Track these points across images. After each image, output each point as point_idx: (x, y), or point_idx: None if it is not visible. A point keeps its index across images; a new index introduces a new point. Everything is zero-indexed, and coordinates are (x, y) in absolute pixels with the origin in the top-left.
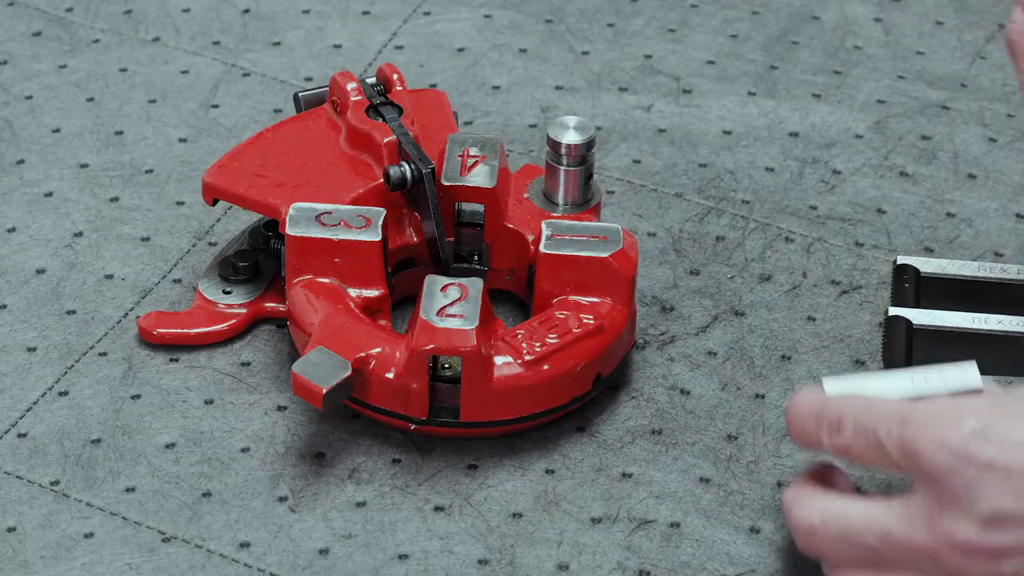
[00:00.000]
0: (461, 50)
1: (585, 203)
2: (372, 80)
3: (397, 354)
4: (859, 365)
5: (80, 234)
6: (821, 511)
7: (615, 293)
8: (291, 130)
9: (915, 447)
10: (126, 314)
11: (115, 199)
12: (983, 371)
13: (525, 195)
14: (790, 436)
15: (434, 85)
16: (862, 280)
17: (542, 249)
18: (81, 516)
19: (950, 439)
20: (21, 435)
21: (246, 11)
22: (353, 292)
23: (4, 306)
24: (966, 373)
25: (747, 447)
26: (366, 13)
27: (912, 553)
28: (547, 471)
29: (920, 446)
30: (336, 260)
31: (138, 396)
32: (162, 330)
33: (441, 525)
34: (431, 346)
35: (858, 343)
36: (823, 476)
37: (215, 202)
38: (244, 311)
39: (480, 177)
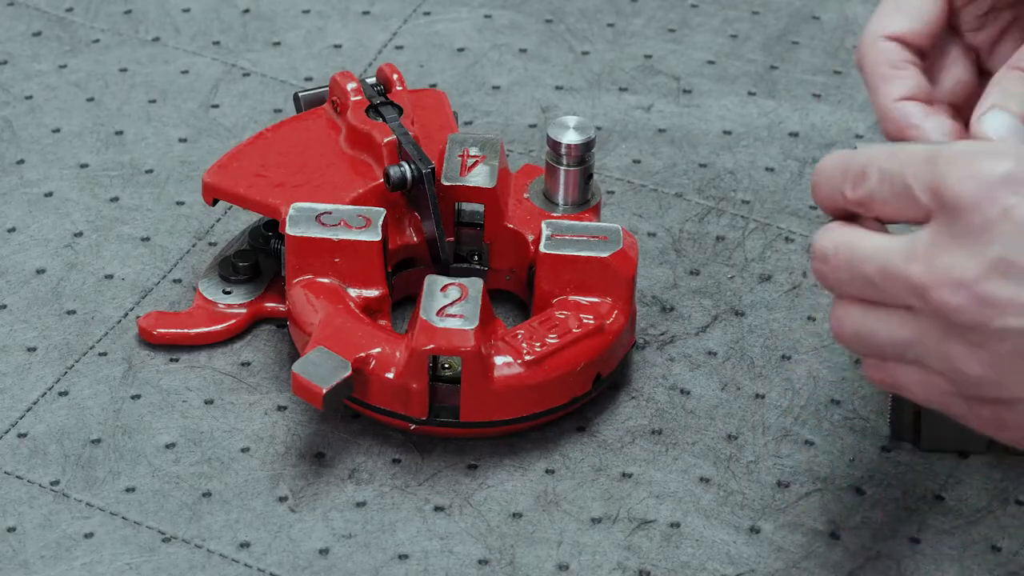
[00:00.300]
0: (461, 50)
1: (585, 203)
2: (372, 80)
3: (397, 354)
4: (859, 365)
5: (80, 234)
6: (836, 239)
7: (615, 293)
8: (291, 130)
9: (943, 180)
10: (126, 314)
11: (115, 199)
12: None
13: (525, 195)
14: (815, 200)
15: (434, 85)
16: None
17: (542, 249)
18: (81, 516)
19: (981, 173)
20: (21, 435)
21: (246, 11)
22: (353, 292)
23: (4, 306)
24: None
25: (747, 447)
26: (366, 13)
27: (905, 287)
28: (547, 471)
29: (948, 179)
30: (336, 260)
31: (138, 396)
32: (162, 330)
33: (441, 525)
34: (431, 346)
35: None
36: (855, 216)
37: (215, 202)
38: (244, 311)
39: (480, 177)
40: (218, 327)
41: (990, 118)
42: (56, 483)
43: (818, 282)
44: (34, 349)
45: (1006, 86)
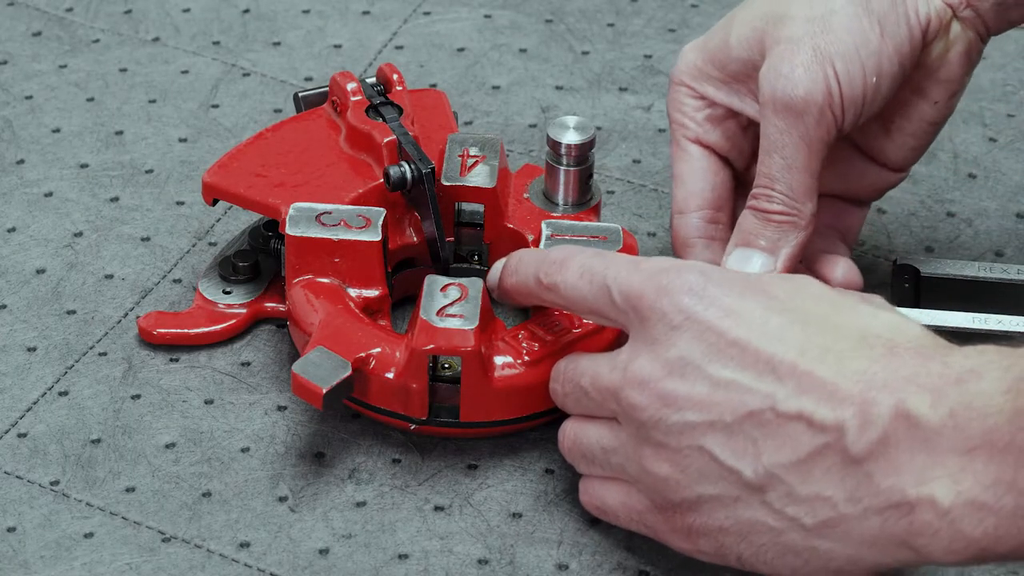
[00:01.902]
0: (461, 50)
1: (585, 203)
2: (372, 80)
3: (397, 354)
4: None
5: (80, 234)
6: (568, 360)
7: None
8: (291, 130)
9: (640, 290)
10: (126, 314)
11: (115, 199)
12: None
13: (525, 195)
14: (504, 286)
15: (434, 85)
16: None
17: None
18: (81, 516)
19: (672, 285)
20: (21, 435)
21: (246, 11)
22: (353, 292)
23: (4, 306)
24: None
25: None
26: (366, 13)
27: (607, 393)
28: (547, 471)
29: (645, 289)
30: (336, 260)
31: (138, 396)
32: (162, 330)
33: (441, 525)
34: (431, 346)
35: None
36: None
37: (215, 202)
38: (244, 311)
39: (480, 177)
40: (218, 327)
41: (733, 258)
42: (56, 483)
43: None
44: (34, 349)
45: (743, 226)
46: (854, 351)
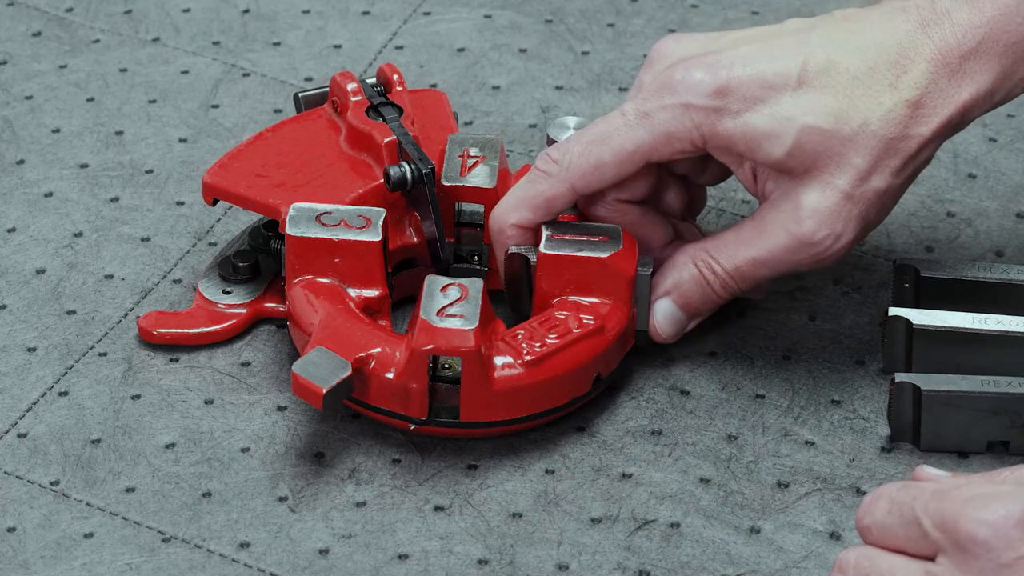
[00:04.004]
0: (461, 50)
1: None
2: (372, 80)
3: (397, 354)
4: (859, 365)
5: (80, 234)
6: (859, 552)
7: (615, 293)
8: (291, 130)
9: (956, 521)
10: (126, 314)
11: (115, 199)
12: (984, 372)
13: None
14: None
15: (434, 85)
16: (862, 280)
17: (542, 249)
18: (81, 516)
19: (996, 516)
20: (21, 435)
21: (246, 11)
22: (353, 292)
23: (4, 306)
24: None
25: (747, 447)
26: (366, 13)
27: None
28: (547, 471)
29: (961, 521)
30: (336, 260)
31: (138, 396)
32: (162, 330)
33: (441, 525)
34: (431, 346)
35: (858, 343)
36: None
37: (215, 202)
38: (244, 311)
39: (480, 177)
40: (218, 327)
41: (659, 306)
42: (56, 483)
43: None
44: (34, 349)
45: (678, 274)
46: None
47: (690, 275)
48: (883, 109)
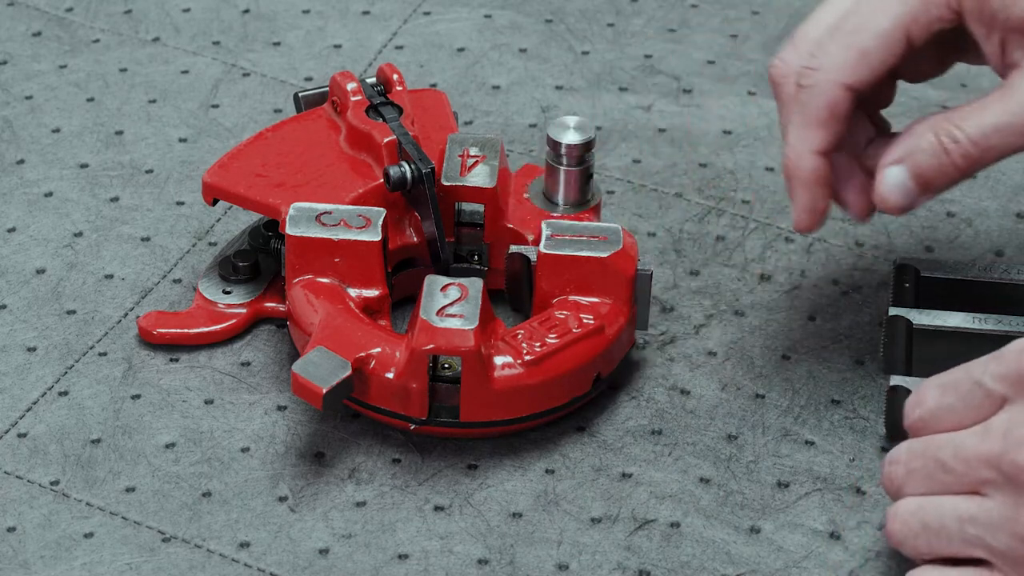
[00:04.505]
0: (461, 50)
1: (585, 203)
2: (372, 80)
3: (397, 354)
4: (859, 365)
5: (80, 234)
6: (911, 443)
7: (615, 293)
8: (291, 130)
9: (1007, 457)
10: (126, 314)
11: (115, 199)
12: None
13: (525, 195)
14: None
15: (434, 85)
16: (862, 280)
17: (542, 249)
18: (81, 516)
19: None
20: (21, 435)
21: (246, 11)
22: (353, 292)
23: (4, 306)
24: None
25: (747, 447)
26: (366, 13)
27: (979, 460)
28: (547, 471)
29: (1015, 455)
30: (336, 260)
31: (138, 396)
32: (162, 330)
33: (441, 525)
34: (431, 346)
35: (858, 343)
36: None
37: (215, 202)
38: (244, 311)
39: (480, 177)
40: (218, 327)
41: (889, 173)
42: (56, 483)
43: (884, 488)
44: (34, 349)
45: (915, 142)
46: None
47: (928, 143)
48: None
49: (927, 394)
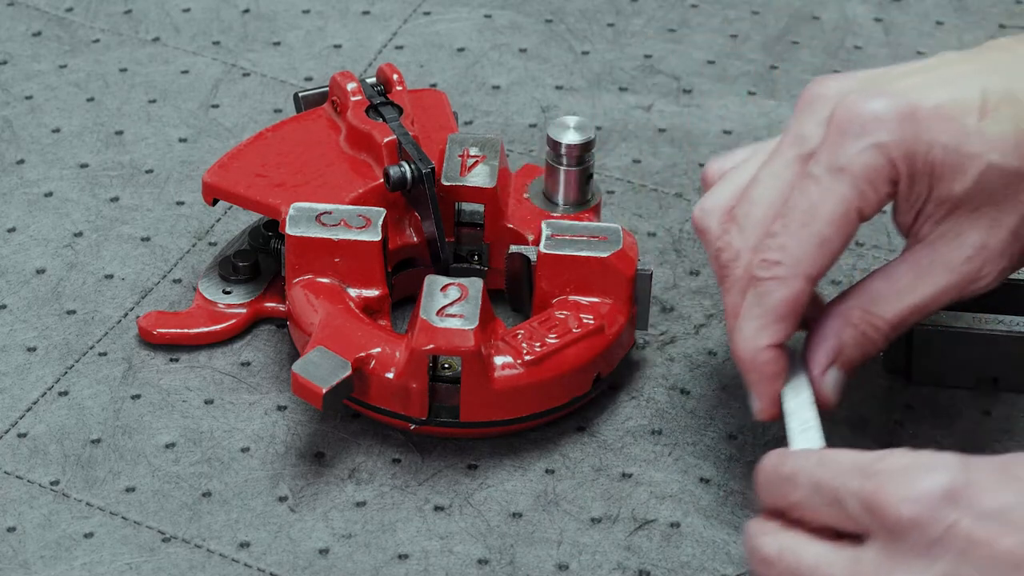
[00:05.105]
0: (461, 50)
1: (585, 203)
2: (372, 80)
3: (397, 354)
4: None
5: (80, 234)
6: (781, 544)
7: (615, 293)
8: (291, 130)
9: (882, 501)
10: (126, 314)
11: (115, 199)
12: (985, 372)
13: (525, 195)
14: (759, 498)
15: (434, 85)
16: None
17: (542, 249)
18: (81, 516)
19: (920, 491)
20: (21, 435)
21: (246, 11)
22: (353, 292)
23: (4, 306)
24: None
25: (747, 447)
26: (366, 13)
27: None
28: (547, 471)
29: (887, 500)
30: (336, 260)
31: (138, 396)
32: (162, 330)
33: (441, 525)
34: (431, 346)
35: None
36: (784, 515)
37: (215, 202)
38: (244, 311)
39: (480, 177)
40: (218, 327)
41: (829, 378)
42: (56, 483)
43: None
44: (34, 349)
45: (838, 340)
46: None
47: (851, 338)
48: None
49: (794, 484)
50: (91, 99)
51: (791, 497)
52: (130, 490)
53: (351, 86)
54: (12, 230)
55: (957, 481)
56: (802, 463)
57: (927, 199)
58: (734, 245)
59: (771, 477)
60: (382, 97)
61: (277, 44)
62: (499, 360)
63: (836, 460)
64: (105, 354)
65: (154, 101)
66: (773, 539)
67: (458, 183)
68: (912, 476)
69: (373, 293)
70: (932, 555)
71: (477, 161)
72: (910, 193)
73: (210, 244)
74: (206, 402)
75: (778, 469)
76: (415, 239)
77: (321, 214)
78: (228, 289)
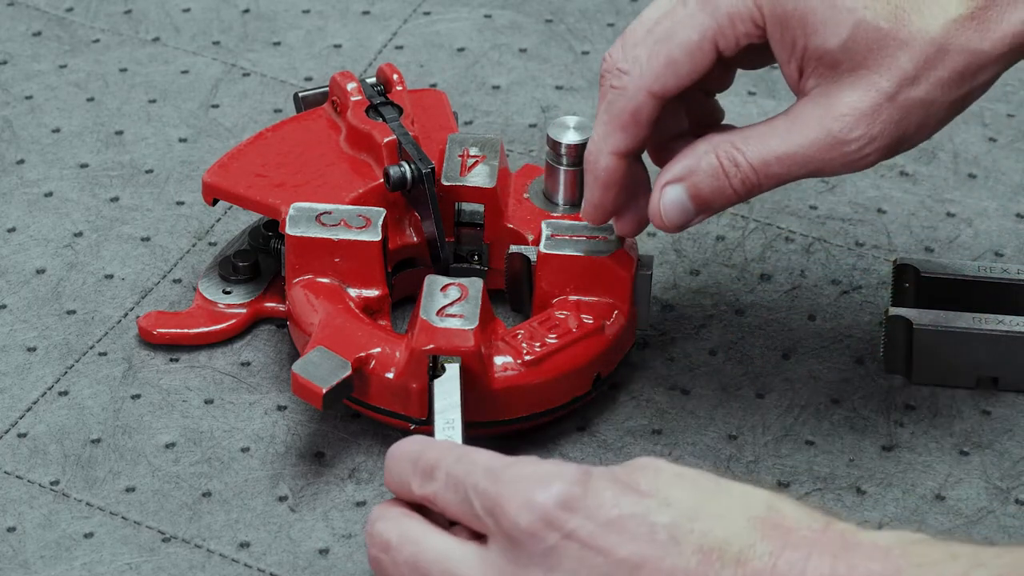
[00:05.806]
0: (461, 50)
1: None
2: (372, 80)
3: (397, 354)
4: (859, 365)
5: (80, 234)
6: (401, 531)
7: (615, 293)
8: (291, 130)
9: (500, 504)
10: (126, 314)
11: (115, 199)
12: (986, 371)
13: (525, 195)
14: (386, 483)
15: (434, 85)
16: (862, 280)
17: (542, 249)
18: (81, 516)
19: (536, 502)
20: (21, 435)
21: (246, 11)
22: (353, 292)
23: (4, 306)
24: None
25: (747, 447)
26: (366, 13)
27: None
28: None
29: (505, 504)
30: (336, 260)
31: (138, 396)
32: (162, 330)
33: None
34: (431, 346)
35: (858, 343)
36: (418, 506)
37: (215, 202)
38: (244, 311)
39: (480, 177)
40: (218, 327)
41: (668, 192)
42: (56, 483)
43: (373, 571)
44: (34, 349)
45: (695, 161)
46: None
47: (709, 164)
48: (946, 16)
49: (439, 475)
50: (91, 99)
51: (427, 488)
52: (130, 490)
53: (351, 86)
54: (12, 230)
55: (574, 492)
56: (444, 456)
57: (804, 52)
58: (612, 57)
59: (406, 463)
60: (382, 97)
61: (277, 44)
62: (499, 360)
63: (472, 459)
64: (105, 354)
65: (154, 101)
66: (395, 524)
67: (458, 183)
68: (531, 485)
69: (373, 293)
70: (549, 564)
71: (477, 161)
72: (783, 39)
73: (210, 244)
74: (206, 402)
75: (418, 457)
76: (415, 239)
77: (321, 214)
78: (228, 289)
